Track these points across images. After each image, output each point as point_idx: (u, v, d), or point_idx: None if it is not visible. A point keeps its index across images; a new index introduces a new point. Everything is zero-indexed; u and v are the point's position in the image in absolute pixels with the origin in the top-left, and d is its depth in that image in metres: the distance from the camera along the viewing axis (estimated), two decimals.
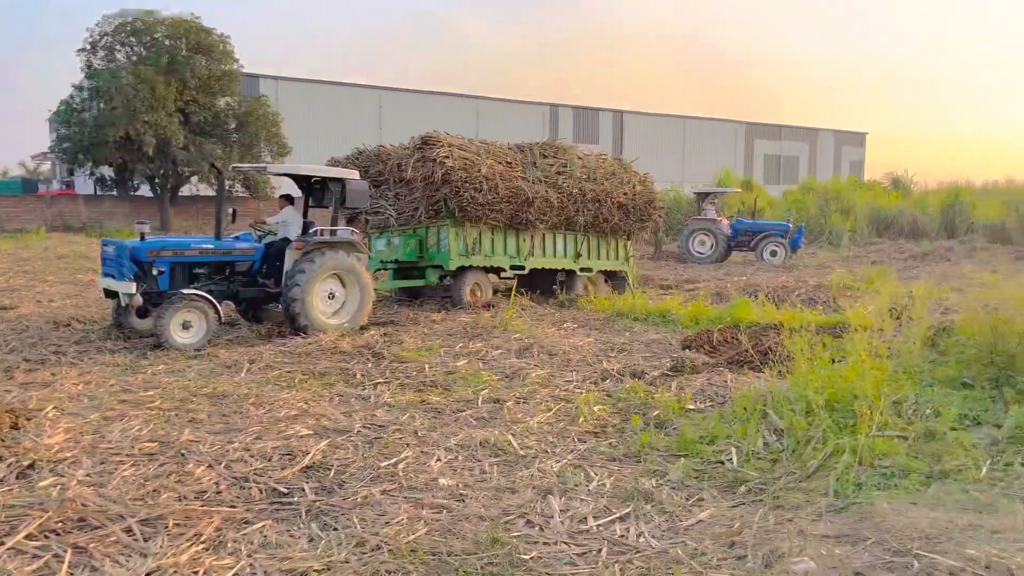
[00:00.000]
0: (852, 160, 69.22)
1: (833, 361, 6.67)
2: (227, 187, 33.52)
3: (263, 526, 4.31)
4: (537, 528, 4.38)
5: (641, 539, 4.26)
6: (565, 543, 4.20)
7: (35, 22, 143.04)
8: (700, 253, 23.92)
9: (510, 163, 13.39)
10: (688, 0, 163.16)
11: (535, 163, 13.79)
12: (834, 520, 4.32)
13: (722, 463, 5.39)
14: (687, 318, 11.50)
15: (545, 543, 4.19)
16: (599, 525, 4.42)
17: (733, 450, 5.50)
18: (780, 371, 7.09)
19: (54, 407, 6.49)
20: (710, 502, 4.76)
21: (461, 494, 4.84)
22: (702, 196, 26.14)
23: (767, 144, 65.33)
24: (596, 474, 5.22)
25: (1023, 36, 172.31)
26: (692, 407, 6.75)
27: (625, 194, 14.79)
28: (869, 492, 4.60)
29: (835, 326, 9.28)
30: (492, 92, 60.87)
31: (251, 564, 3.86)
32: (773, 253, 23.46)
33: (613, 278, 15.69)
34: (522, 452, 5.66)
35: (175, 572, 3.74)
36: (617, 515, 4.54)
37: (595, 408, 6.75)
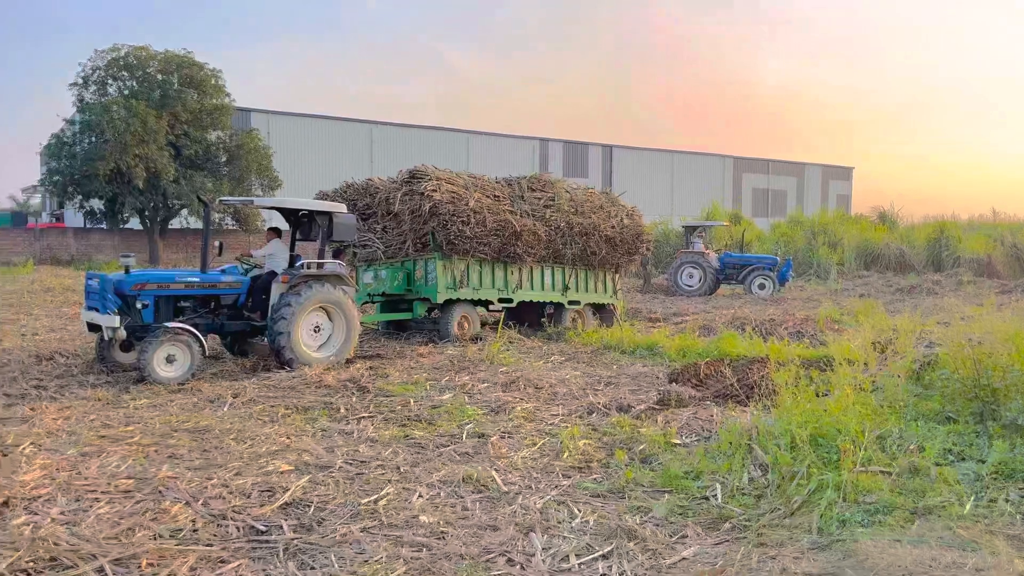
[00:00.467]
0: (839, 194, 69.96)
1: (818, 395, 6.65)
2: (218, 220, 33.58)
3: (239, 565, 4.23)
4: (518, 567, 4.31)
5: None
6: None
7: (27, 56, 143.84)
8: (688, 286, 24.07)
9: (498, 196, 13.45)
10: (678, 36, 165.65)
11: (523, 196, 13.86)
12: (817, 558, 4.27)
13: (707, 499, 5.34)
14: (674, 351, 11.50)
15: None
16: (581, 563, 4.36)
17: (718, 486, 5.46)
18: (766, 405, 7.07)
19: (31, 443, 6.40)
20: (694, 539, 4.71)
21: (442, 531, 4.78)
22: (690, 229, 26.35)
23: (755, 178, 66.01)
24: (580, 511, 5.16)
25: (1006, 72, 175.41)
26: (678, 441, 6.71)
27: (613, 227, 14.86)
28: (853, 529, 4.56)
29: (821, 360, 9.27)
30: (483, 126, 61.45)
31: None
32: (761, 286, 23.63)
33: (601, 311, 15.70)
34: (505, 488, 5.60)
35: None
36: (600, 553, 4.48)
37: (580, 443, 6.70)
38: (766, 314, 15.63)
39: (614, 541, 4.63)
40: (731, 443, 6.00)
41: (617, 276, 15.72)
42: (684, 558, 4.42)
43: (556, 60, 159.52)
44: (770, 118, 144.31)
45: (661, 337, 12.53)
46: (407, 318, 13.71)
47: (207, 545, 4.47)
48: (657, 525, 4.92)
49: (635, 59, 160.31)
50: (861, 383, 6.67)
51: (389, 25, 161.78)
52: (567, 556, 4.44)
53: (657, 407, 7.97)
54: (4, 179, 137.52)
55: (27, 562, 4.08)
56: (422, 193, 12.64)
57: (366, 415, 7.77)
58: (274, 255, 10.91)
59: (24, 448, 6.24)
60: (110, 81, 32.44)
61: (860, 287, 25.56)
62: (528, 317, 14.74)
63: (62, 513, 4.85)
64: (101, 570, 4.07)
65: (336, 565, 4.27)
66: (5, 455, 5.97)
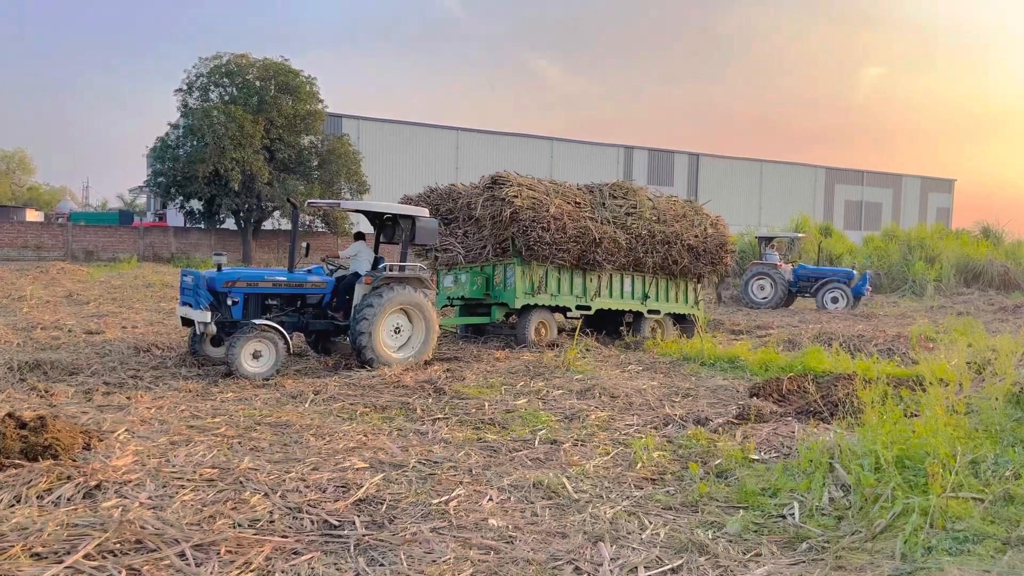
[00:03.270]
0: (939, 207, 66.90)
1: (907, 415, 6.36)
2: (308, 222, 34.60)
3: (311, 558, 4.33)
4: (585, 575, 4.27)
5: None
6: None
7: (137, 64, 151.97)
8: (760, 298, 23.50)
9: (579, 203, 13.41)
10: (771, 43, 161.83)
11: (604, 203, 13.78)
12: None
13: (783, 517, 5.17)
14: (756, 365, 11.20)
15: None
16: None
17: (796, 504, 5.28)
18: (850, 423, 6.81)
19: (126, 430, 6.74)
20: (768, 558, 4.57)
21: (511, 536, 4.78)
22: (764, 240, 25.69)
23: (848, 189, 63.78)
24: (650, 522, 5.08)
25: None
26: (756, 457, 6.52)
27: (696, 236, 14.60)
28: (939, 557, 4.33)
29: (911, 379, 8.87)
30: (567, 134, 61.44)
31: None
32: (835, 300, 23.00)
33: (682, 321, 15.44)
34: (576, 496, 5.56)
35: None
36: (669, 566, 4.40)
37: (654, 454, 6.60)
38: (855, 330, 15.06)
39: (684, 555, 4.53)
40: (811, 461, 5.80)
41: (699, 286, 15.44)
42: None
43: (643, 68, 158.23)
44: (865, 127, 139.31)
45: (743, 350, 12.23)
46: (485, 322, 13.82)
47: (283, 536, 4.59)
48: (730, 541, 4.79)
49: (725, 66, 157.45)
50: (954, 405, 6.34)
51: (477, 34, 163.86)
52: (635, 568, 4.37)
53: (736, 421, 7.78)
54: (115, 180, 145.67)
55: (114, 543, 4.29)
56: (503, 199, 12.73)
57: (441, 416, 7.86)
58: (358, 256, 11.18)
59: (119, 434, 6.57)
60: (212, 87, 33.93)
61: (959, 305, 24.32)
62: (606, 325, 14.63)
63: (149, 498, 5.08)
64: (183, 555, 4.23)
65: (405, 563, 4.32)
66: (101, 440, 6.30)
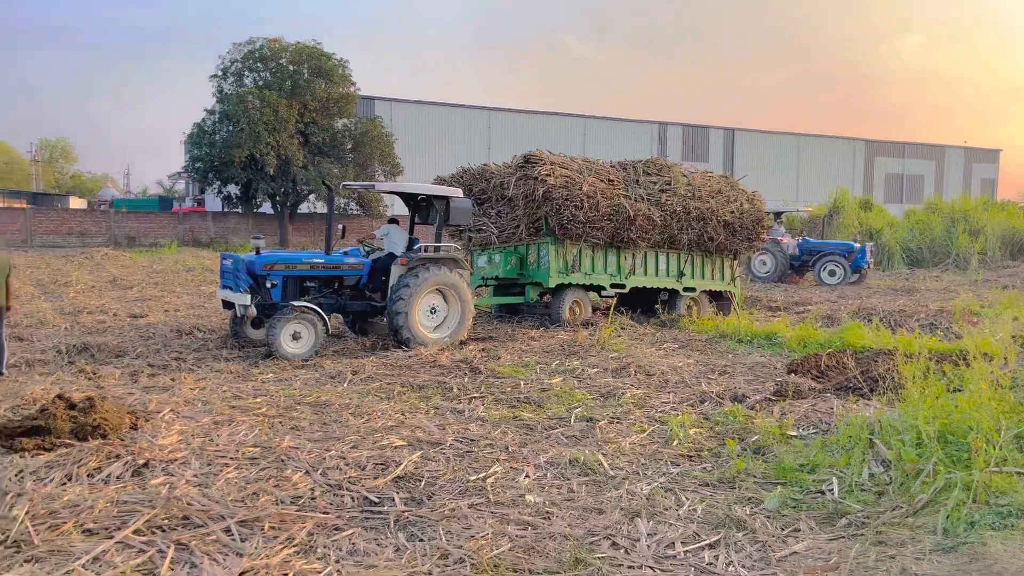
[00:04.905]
0: (983, 178, 65.17)
1: (949, 390, 6.25)
2: (343, 205, 34.87)
3: (353, 533, 4.42)
4: (622, 551, 4.30)
5: (730, 568, 4.12)
6: (650, 567, 4.10)
7: (174, 51, 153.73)
8: (761, 273, 23.50)
9: (612, 181, 13.32)
10: (803, 14, 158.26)
11: (638, 181, 13.66)
12: (941, 560, 4.04)
13: (822, 493, 5.14)
14: (794, 341, 11.08)
15: (630, 566, 4.11)
16: (687, 551, 4.30)
17: (835, 480, 5.25)
18: (890, 399, 6.72)
19: (170, 410, 6.91)
20: (807, 533, 4.55)
21: (547, 512, 4.82)
22: (774, 216, 25.44)
23: (889, 162, 62.41)
24: (687, 499, 5.09)
25: None
26: (793, 433, 6.48)
27: (732, 212, 14.41)
28: (982, 532, 4.27)
29: (954, 353, 8.71)
30: (600, 111, 60.90)
31: (338, 570, 3.97)
32: (832, 273, 22.96)
33: (718, 299, 15.29)
34: (612, 472, 5.58)
35: (267, 573, 3.88)
36: (707, 542, 4.40)
37: (691, 431, 6.59)
38: (895, 304, 14.82)
39: (722, 531, 4.54)
40: (851, 437, 5.75)
41: (735, 262, 15.27)
42: (795, 552, 4.28)
43: (676, 41, 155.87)
44: (906, 98, 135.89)
45: (780, 327, 12.10)
46: (519, 302, 13.84)
47: (324, 513, 4.69)
48: (768, 517, 4.78)
49: (760, 38, 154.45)
50: (999, 379, 6.21)
51: (508, 12, 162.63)
52: (673, 543, 4.39)
53: (773, 398, 7.72)
54: (155, 166, 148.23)
55: (162, 519, 4.42)
56: (536, 178, 12.68)
57: (477, 395, 7.92)
58: (391, 237, 11.25)
59: (164, 415, 6.74)
60: (246, 73, 34.21)
61: (1004, 278, 23.73)
62: (641, 303, 14.56)
63: (195, 476, 5.22)
64: (228, 530, 4.35)
65: (444, 539, 4.38)
66: (147, 420, 6.47)
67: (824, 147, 59.89)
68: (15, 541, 4.11)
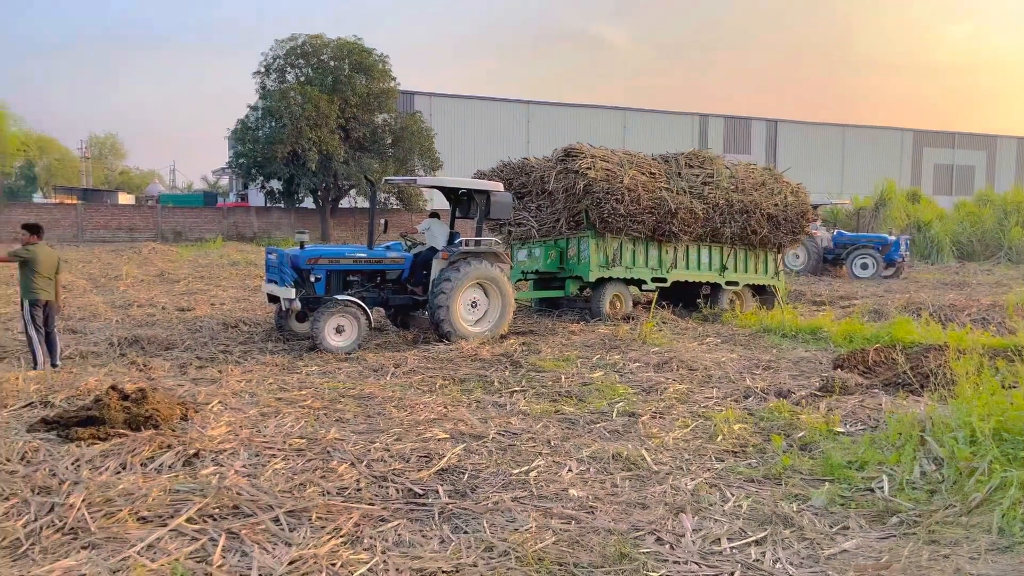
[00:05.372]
0: None
1: (1004, 387, 6.09)
2: (383, 200, 35.14)
3: (398, 524, 4.46)
4: (667, 546, 4.27)
5: (778, 565, 4.07)
6: (696, 563, 4.07)
7: (219, 49, 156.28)
8: (794, 266, 23.23)
9: (654, 174, 13.21)
10: (848, 4, 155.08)
11: (680, 173, 13.53)
12: (996, 560, 3.94)
13: (871, 491, 5.05)
14: (840, 336, 10.89)
15: (675, 562, 4.09)
16: (733, 547, 4.26)
17: (885, 478, 5.15)
18: (942, 395, 6.57)
19: (219, 402, 7.04)
20: (856, 531, 4.48)
21: (591, 506, 4.81)
22: None
23: (938, 153, 60.84)
24: (732, 494, 5.04)
25: None
26: (841, 430, 6.37)
27: (776, 205, 14.20)
28: None
29: (1009, 349, 8.47)
30: (639, 103, 60.39)
31: (384, 561, 4.01)
32: (864, 266, 22.81)
33: (761, 293, 15.10)
34: (655, 468, 5.55)
35: (315, 563, 3.94)
36: (753, 538, 4.36)
37: (735, 426, 6.52)
38: (946, 299, 14.48)
39: (769, 527, 4.48)
40: (901, 434, 5.64)
41: (779, 256, 15.06)
42: (845, 550, 4.22)
43: (714, 33, 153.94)
44: (955, 88, 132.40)
45: (825, 321, 11.91)
46: (559, 296, 13.81)
47: (369, 504, 4.74)
48: (816, 514, 4.71)
49: (803, 27, 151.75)
50: None
51: (547, 4, 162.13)
52: (718, 539, 4.35)
53: (819, 393, 7.60)
54: (199, 162, 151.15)
55: (213, 508, 4.51)
56: (576, 171, 12.63)
57: (518, 389, 7.93)
58: (432, 232, 11.31)
59: (212, 406, 6.88)
60: (288, 69, 34.63)
61: None
62: (683, 297, 14.43)
63: (244, 466, 5.32)
64: (277, 520, 4.42)
65: (488, 531, 4.40)
66: (197, 411, 6.61)
67: (870, 138, 58.61)
68: (72, 528, 4.23)
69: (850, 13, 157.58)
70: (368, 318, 9.97)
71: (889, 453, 5.49)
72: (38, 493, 4.68)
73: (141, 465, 5.24)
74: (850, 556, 4.16)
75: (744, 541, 4.33)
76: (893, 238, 23.46)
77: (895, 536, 4.39)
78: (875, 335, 10.61)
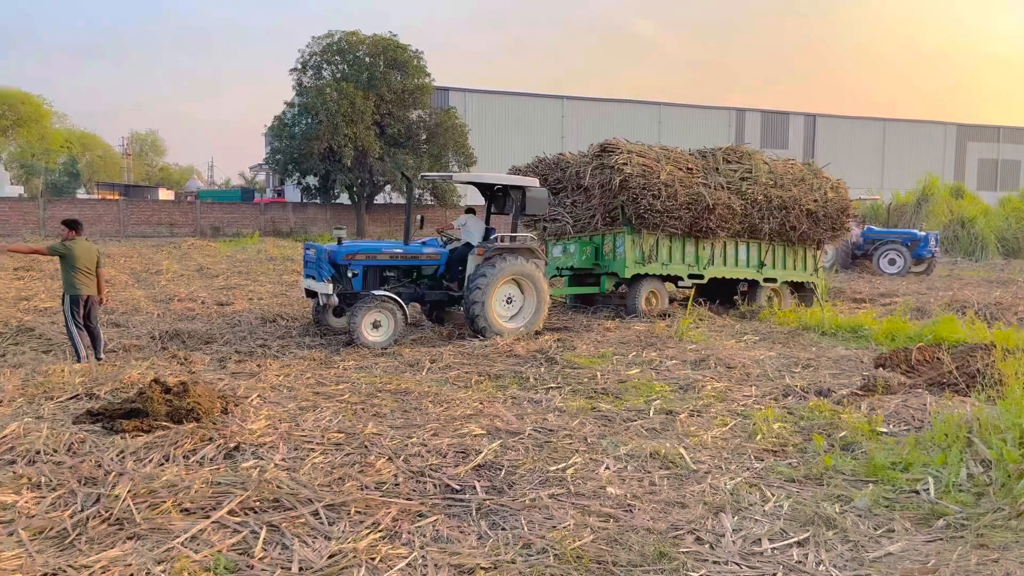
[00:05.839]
0: None
1: None
2: (417, 196, 35.28)
3: (436, 520, 4.47)
4: (707, 546, 4.23)
5: (821, 567, 4.00)
6: (737, 564, 4.03)
7: (255, 46, 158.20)
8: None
9: (691, 169, 13.08)
10: None
11: (718, 169, 13.37)
12: None
13: (916, 493, 4.95)
14: (881, 334, 10.69)
15: (715, 562, 4.04)
16: (774, 548, 4.20)
17: (931, 480, 5.04)
18: (989, 396, 6.42)
19: (258, 395, 7.12)
20: (901, 534, 4.39)
21: (629, 504, 4.78)
22: None
23: (982, 147, 59.43)
24: (773, 494, 4.97)
25: None
26: (884, 430, 6.26)
27: (815, 201, 13.98)
28: None
29: None
30: (674, 98, 59.93)
31: (423, 556, 4.02)
32: (891, 262, 22.55)
33: (800, 290, 14.89)
34: (694, 466, 5.50)
35: (355, 557, 3.96)
36: (795, 539, 4.29)
37: (774, 425, 6.43)
38: (991, 297, 14.14)
39: (811, 528, 4.41)
40: (947, 435, 5.52)
41: (819, 253, 14.83)
42: (890, 553, 4.13)
43: (750, 25, 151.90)
44: (1001, 81, 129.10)
45: (867, 319, 11.70)
46: (594, 292, 13.75)
47: (407, 499, 4.76)
48: (859, 516, 4.63)
49: (842, 19, 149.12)
50: None
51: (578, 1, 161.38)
52: (759, 539, 4.29)
53: (861, 393, 7.47)
54: (237, 158, 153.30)
55: (254, 501, 4.56)
56: (612, 167, 12.56)
57: (554, 385, 7.91)
58: (468, 227, 11.32)
59: (252, 400, 6.96)
60: (325, 66, 34.90)
61: None
62: (720, 294, 14.29)
63: (283, 460, 5.37)
64: (316, 514, 4.46)
65: (526, 528, 4.39)
66: (237, 405, 6.69)
67: (912, 132, 57.45)
68: (118, 519, 4.31)
69: (891, 4, 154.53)
70: (404, 313, 10.02)
71: (935, 454, 5.37)
72: (85, 484, 4.77)
73: (183, 457, 5.32)
74: (895, 559, 4.08)
75: (786, 542, 4.26)
76: (922, 234, 23.07)
77: (942, 539, 4.30)
78: (918, 334, 10.40)
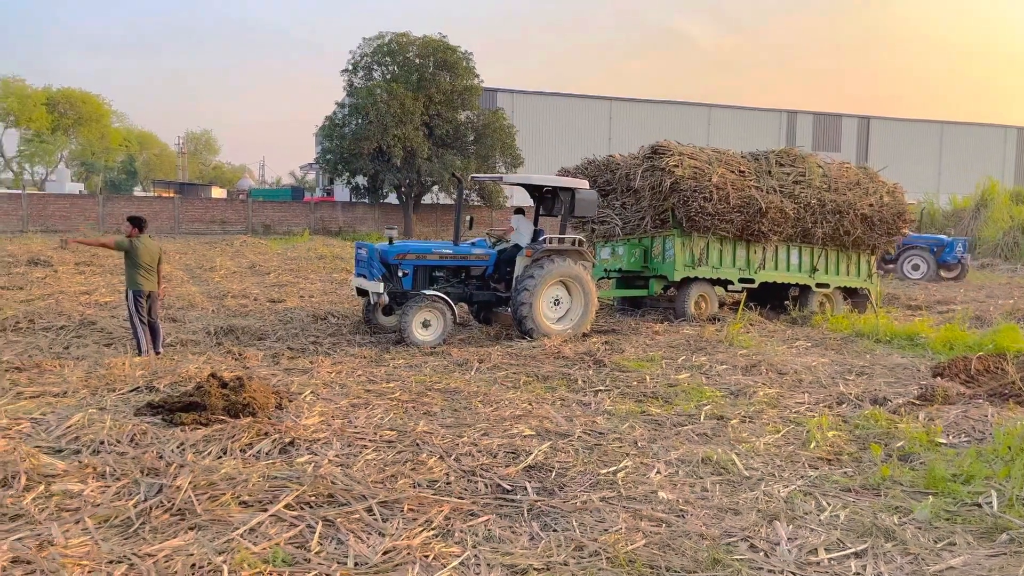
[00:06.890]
0: None
1: None
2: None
3: (488, 520, 4.50)
4: (761, 554, 4.18)
5: None
6: (792, 573, 3.97)
7: (308, 47, 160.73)
8: None
9: (743, 172, 12.92)
10: None
11: (770, 172, 13.18)
12: None
13: (978, 506, 4.82)
14: (939, 343, 10.43)
15: (770, 570, 3.99)
16: (831, 559, 4.14)
17: (993, 492, 4.91)
18: None
19: (311, 392, 7.24)
20: (963, 548, 4.28)
21: (681, 510, 4.75)
22: None
23: None
24: (828, 504, 4.89)
25: None
26: (943, 441, 6.11)
27: (871, 205, 13.70)
28: None
29: None
30: (724, 99, 59.20)
31: (476, 555, 4.05)
32: (915, 267, 22.19)
33: (853, 296, 14.59)
34: (747, 473, 5.43)
35: (408, 554, 4.01)
36: (852, 550, 4.22)
37: (829, 433, 6.33)
38: None
39: (869, 540, 4.33)
40: (1010, 447, 5.37)
41: (873, 258, 14.52)
42: (951, 567, 4.04)
43: (802, 25, 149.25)
44: None
45: (923, 327, 11.43)
46: (643, 295, 13.66)
47: (459, 498, 4.80)
48: (919, 528, 4.53)
49: (899, 18, 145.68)
50: None
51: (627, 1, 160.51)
52: (815, 549, 4.23)
53: (918, 402, 7.30)
54: (287, 158, 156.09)
55: (310, 496, 4.64)
56: (663, 169, 12.46)
57: (603, 388, 7.89)
58: (518, 229, 11.35)
59: (305, 396, 7.08)
60: (375, 67, 35.28)
61: None
62: (771, 299, 14.08)
63: (337, 456, 5.45)
64: (370, 510, 4.52)
65: (577, 530, 4.40)
66: (291, 400, 6.81)
67: (970, 135, 55.85)
68: (180, 509, 4.42)
69: (946, 4, 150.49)
70: (453, 313, 10.09)
71: (997, 467, 5.23)
72: (147, 474, 4.91)
73: (240, 451, 5.44)
74: (957, 574, 3.99)
75: (843, 553, 4.19)
76: (949, 239, 22.49)
77: (1006, 554, 4.18)
78: (978, 343, 10.13)
